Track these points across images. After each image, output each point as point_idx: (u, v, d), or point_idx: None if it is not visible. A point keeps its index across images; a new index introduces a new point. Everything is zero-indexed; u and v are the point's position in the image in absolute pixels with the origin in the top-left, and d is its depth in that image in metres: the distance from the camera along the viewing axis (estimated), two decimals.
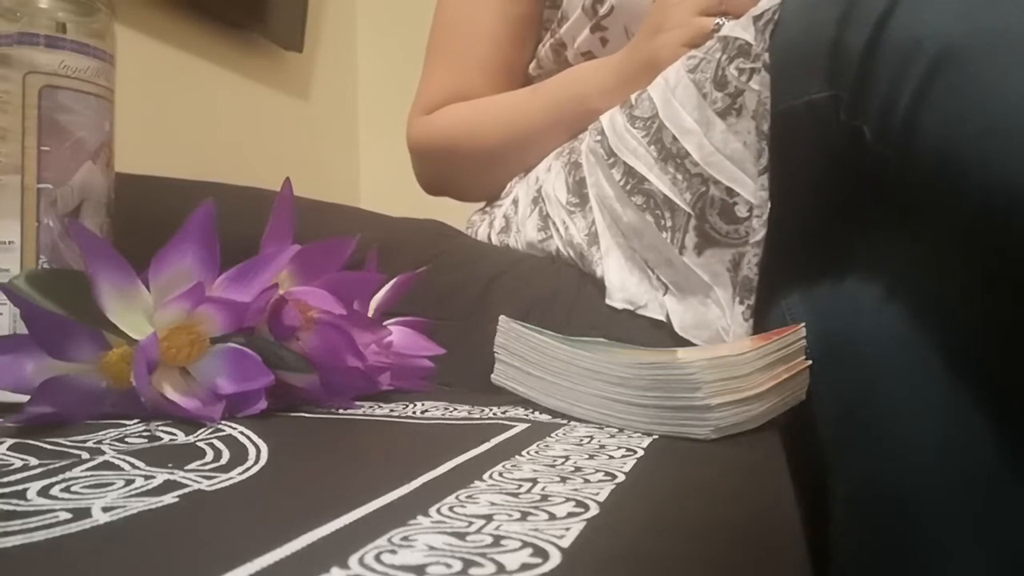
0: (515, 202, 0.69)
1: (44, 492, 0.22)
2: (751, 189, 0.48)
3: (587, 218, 0.58)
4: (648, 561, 0.19)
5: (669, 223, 0.52)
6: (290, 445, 0.30)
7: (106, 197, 0.42)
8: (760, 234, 0.47)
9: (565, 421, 0.38)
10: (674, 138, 0.51)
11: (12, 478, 0.24)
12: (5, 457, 0.26)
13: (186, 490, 0.23)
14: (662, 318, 0.52)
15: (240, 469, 0.26)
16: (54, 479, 0.24)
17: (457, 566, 0.17)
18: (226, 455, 0.28)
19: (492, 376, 0.44)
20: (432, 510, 0.21)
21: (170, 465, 0.26)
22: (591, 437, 0.34)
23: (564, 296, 0.57)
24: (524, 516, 0.21)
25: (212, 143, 1.40)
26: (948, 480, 0.42)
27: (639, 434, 0.35)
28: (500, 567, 0.17)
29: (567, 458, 0.29)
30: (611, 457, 0.30)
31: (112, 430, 0.31)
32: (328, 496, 0.22)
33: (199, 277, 0.35)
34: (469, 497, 0.23)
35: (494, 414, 0.39)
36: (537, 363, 0.41)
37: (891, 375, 0.44)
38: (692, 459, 0.31)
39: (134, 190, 0.48)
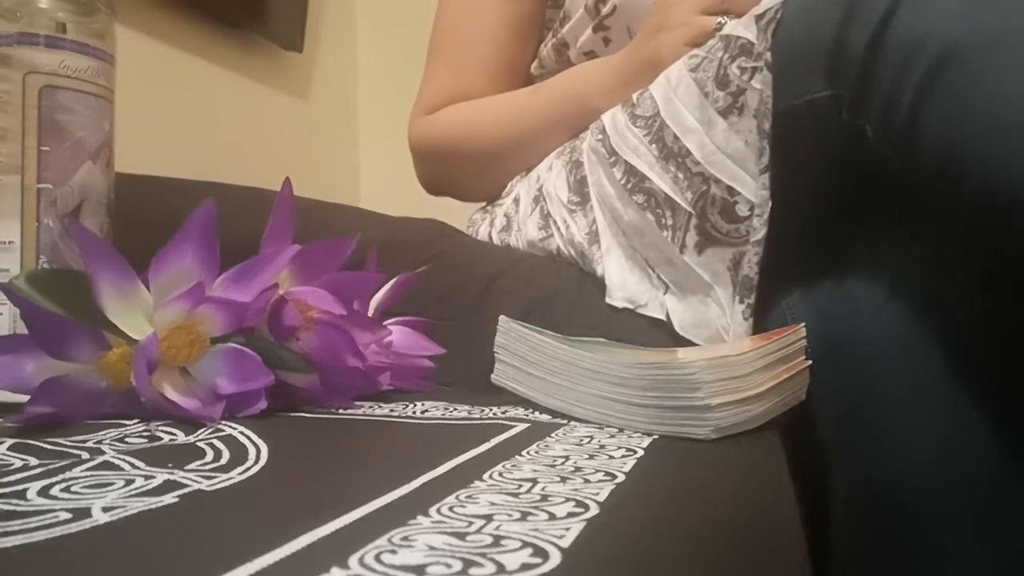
0: (516, 201, 0.69)
1: (44, 492, 0.22)
2: (752, 188, 0.48)
3: (588, 217, 0.58)
4: (648, 561, 0.19)
5: (670, 222, 0.52)
6: (290, 445, 0.30)
7: (106, 197, 0.42)
8: (761, 233, 0.47)
9: (565, 421, 0.38)
10: (675, 137, 0.51)
11: (12, 478, 0.24)
12: (5, 457, 0.26)
13: (186, 490, 0.23)
14: (662, 317, 0.52)
15: (240, 469, 0.26)
16: (54, 479, 0.24)
17: (457, 566, 0.17)
18: (226, 455, 0.28)
19: (492, 376, 0.44)
20: (432, 510, 0.21)
21: (170, 465, 0.26)
22: (591, 437, 0.34)
23: (564, 296, 0.57)
24: (524, 516, 0.21)
25: (212, 143, 1.40)
26: (948, 480, 0.42)
27: (639, 434, 0.35)
28: (500, 567, 0.17)
29: (567, 458, 0.29)
30: (611, 457, 0.30)
31: (112, 430, 0.31)
32: (328, 496, 0.22)
33: (199, 277, 0.35)
34: (469, 497, 0.23)
35: (494, 414, 0.39)
36: (537, 363, 0.41)
37: (891, 375, 0.44)
38: (692, 459, 0.31)
39: (134, 190, 0.48)
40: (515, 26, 0.80)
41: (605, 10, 0.71)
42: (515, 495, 0.23)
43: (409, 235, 0.62)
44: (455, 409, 0.40)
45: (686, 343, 0.51)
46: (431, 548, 0.18)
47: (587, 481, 0.25)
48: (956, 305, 0.43)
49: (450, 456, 0.28)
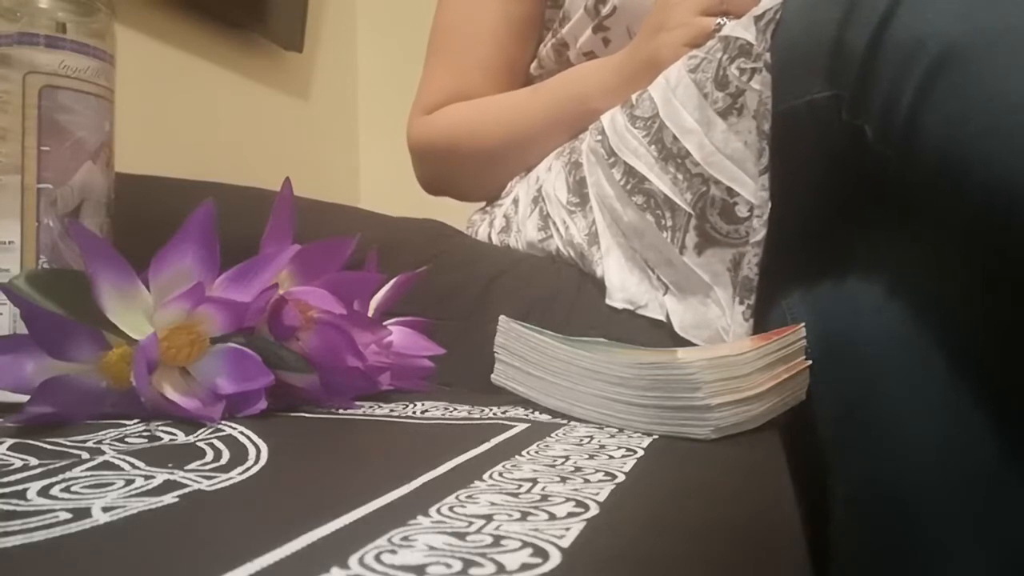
0: (515, 202, 0.69)
1: (44, 492, 0.22)
2: (751, 189, 0.48)
3: (587, 218, 0.58)
4: (648, 561, 0.19)
5: (669, 223, 0.52)
6: (290, 445, 0.30)
7: (106, 197, 0.42)
8: (760, 234, 0.47)
9: (565, 421, 0.38)
10: (675, 138, 0.51)
11: (12, 478, 0.24)
12: (5, 457, 0.26)
13: (186, 490, 0.23)
14: (662, 318, 0.52)
15: (240, 469, 0.26)
16: (54, 479, 0.24)
17: (457, 566, 0.17)
18: (226, 455, 0.28)
19: (492, 376, 0.44)
20: (432, 510, 0.21)
21: (170, 465, 0.26)
22: (591, 437, 0.34)
23: (564, 296, 0.57)
24: (524, 516, 0.21)
25: (212, 143, 1.40)
26: (948, 480, 0.42)
27: (639, 434, 0.35)
28: (500, 567, 0.17)
29: (567, 458, 0.29)
30: (611, 457, 0.30)
31: (112, 430, 0.31)
32: (328, 496, 0.22)
33: (199, 277, 0.35)
34: (469, 497, 0.23)
35: (494, 414, 0.39)
36: (537, 363, 0.41)
37: (891, 375, 0.44)
38: (692, 459, 0.31)
39: (134, 190, 0.48)
40: (515, 26, 0.80)
41: (605, 11, 0.71)
42: (515, 495, 0.23)
43: (409, 235, 0.62)
44: (455, 409, 0.40)
45: (686, 344, 0.51)
46: (431, 548, 0.18)
47: (587, 481, 0.25)
48: (956, 305, 0.43)
49: (450, 456, 0.28)
